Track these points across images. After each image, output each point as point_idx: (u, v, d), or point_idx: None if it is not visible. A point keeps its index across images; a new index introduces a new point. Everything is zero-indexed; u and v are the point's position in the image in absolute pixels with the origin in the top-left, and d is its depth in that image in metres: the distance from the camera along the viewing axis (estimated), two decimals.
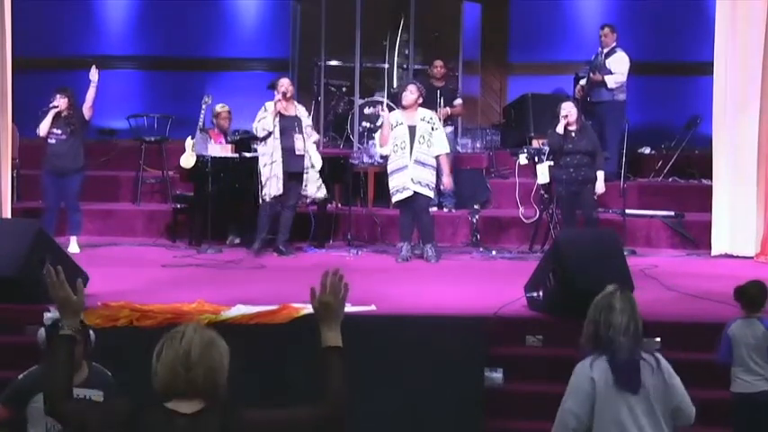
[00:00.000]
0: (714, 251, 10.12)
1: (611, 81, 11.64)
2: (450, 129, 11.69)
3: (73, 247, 9.92)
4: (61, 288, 3.28)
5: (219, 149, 10.65)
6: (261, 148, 9.92)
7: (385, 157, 9.99)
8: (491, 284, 8.43)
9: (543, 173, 10.52)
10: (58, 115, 9.98)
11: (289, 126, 9.91)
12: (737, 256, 9.93)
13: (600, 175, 9.96)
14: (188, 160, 10.57)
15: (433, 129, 9.81)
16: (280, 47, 13.73)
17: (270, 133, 9.79)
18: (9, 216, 9.90)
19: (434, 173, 9.79)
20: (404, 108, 9.92)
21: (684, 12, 13.14)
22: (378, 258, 10.08)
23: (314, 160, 10.11)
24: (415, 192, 9.67)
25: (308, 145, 10.09)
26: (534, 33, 13.62)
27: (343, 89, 13.16)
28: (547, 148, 10.87)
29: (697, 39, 12.41)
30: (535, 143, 11.74)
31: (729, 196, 10.06)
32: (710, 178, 10.40)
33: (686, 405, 4.19)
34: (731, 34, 9.98)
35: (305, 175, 10.01)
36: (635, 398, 4.10)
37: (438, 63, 11.95)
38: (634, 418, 4.10)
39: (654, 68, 13.18)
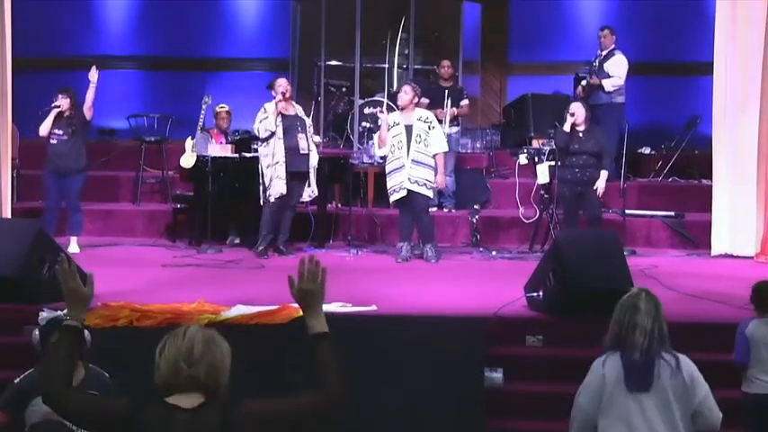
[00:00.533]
0: (714, 251, 10.12)
1: (608, 85, 11.62)
2: (456, 129, 11.70)
3: (73, 248, 9.92)
4: (72, 279, 3.29)
5: (219, 149, 10.65)
6: (263, 149, 9.90)
7: (384, 158, 9.99)
8: (491, 284, 8.43)
9: (543, 173, 10.52)
10: (59, 115, 9.98)
11: (291, 126, 9.91)
12: (737, 256, 9.94)
13: (603, 174, 9.95)
14: (188, 160, 10.58)
15: (430, 128, 9.80)
16: (280, 47, 13.73)
17: (272, 133, 9.79)
18: (9, 216, 9.90)
19: (433, 172, 9.79)
20: (401, 109, 9.93)
21: (684, 12, 13.15)
22: (378, 258, 10.08)
23: (314, 161, 10.11)
24: (413, 191, 9.66)
25: (311, 144, 10.10)
26: (534, 33, 13.63)
27: (343, 89, 13.17)
28: (547, 149, 10.89)
29: (697, 39, 12.41)
30: (535, 143, 11.75)
31: (729, 196, 10.06)
32: (710, 178, 10.40)
33: (707, 409, 4.16)
34: (731, 34, 9.98)
35: (310, 174, 10.01)
36: (648, 396, 4.13)
37: (446, 63, 11.96)
38: (645, 416, 4.12)
39: (654, 68, 13.18)
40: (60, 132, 10.00)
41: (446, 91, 11.66)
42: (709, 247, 10.21)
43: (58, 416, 4.23)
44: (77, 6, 13.86)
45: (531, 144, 11.84)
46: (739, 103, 10.00)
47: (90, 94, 9.98)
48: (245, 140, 11.14)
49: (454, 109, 11.60)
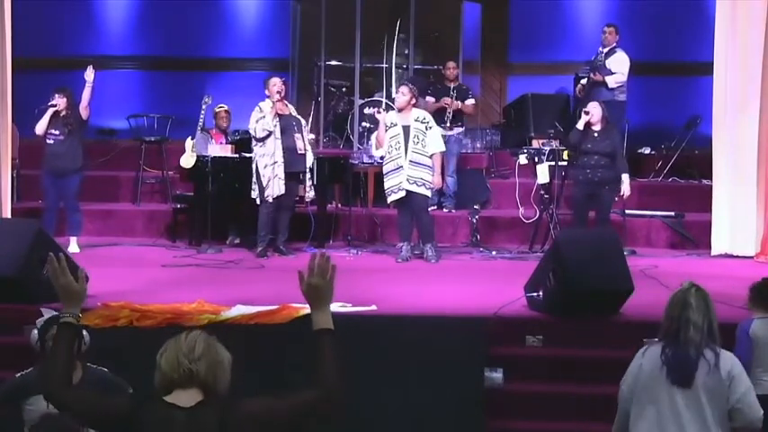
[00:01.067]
0: (714, 251, 10.12)
1: (611, 81, 11.63)
2: (460, 129, 11.70)
3: (73, 248, 9.91)
4: (62, 275, 3.29)
5: (219, 149, 10.65)
6: (259, 149, 9.88)
7: (383, 158, 9.99)
8: (491, 284, 8.43)
9: (543, 173, 10.52)
10: (56, 115, 9.97)
11: (288, 126, 9.90)
12: (737, 256, 9.94)
13: (624, 177, 9.93)
14: (188, 160, 10.58)
15: (427, 128, 9.80)
16: (280, 47, 13.73)
17: (270, 133, 9.78)
18: (9, 216, 9.90)
19: (431, 172, 9.79)
20: (398, 110, 9.93)
21: (684, 12, 13.14)
22: (378, 258, 10.08)
23: (310, 161, 10.10)
24: (410, 191, 9.67)
25: (308, 144, 10.11)
26: (534, 33, 13.62)
27: (343, 89, 13.17)
28: (547, 149, 10.88)
29: (697, 39, 12.41)
30: (535, 143, 11.74)
31: (729, 196, 10.06)
32: (710, 178, 10.40)
33: (746, 406, 4.17)
34: (731, 34, 9.98)
35: (307, 175, 10.00)
36: (682, 391, 4.18)
37: (451, 65, 11.98)
38: (674, 409, 4.17)
39: (654, 68, 13.17)
40: (57, 132, 9.99)
41: (452, 87, 11.70)
42: (709, 247, 10.21)
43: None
44: (77, 6, 13.86)
45: (531, 144, 11.83)
46: (739, 103, 10.00)
47: (86, 94, 9.96)
48: (245, 140, 11.12)
49: (458, 102, 11.61)
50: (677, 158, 12.17)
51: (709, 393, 4.17)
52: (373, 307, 7.36)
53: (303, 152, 9.95)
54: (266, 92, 9.97)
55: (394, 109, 10.38)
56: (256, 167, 9.85)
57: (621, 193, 9.95)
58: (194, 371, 3.11)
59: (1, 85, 9.88)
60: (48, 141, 10.00)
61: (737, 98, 10.01)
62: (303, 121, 10.20)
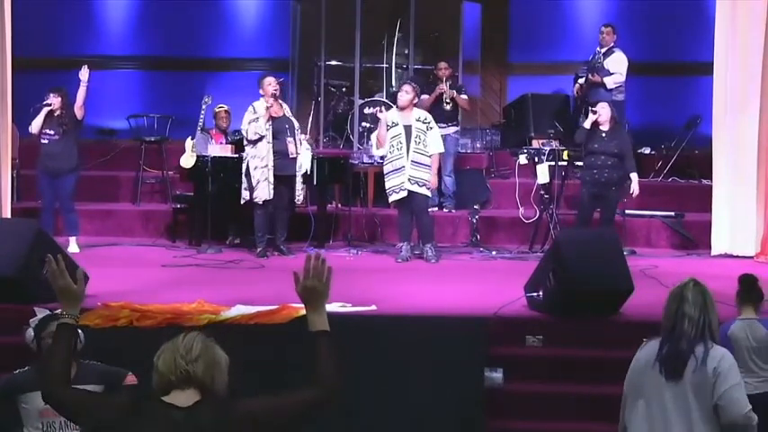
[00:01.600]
0: (714, 251, 10.13)
1: (609, 82, 11.62)
2: (454, 129, 11.70)
3: (73, 248, 9.91)
4: (61, 276, 3.30)
5: (219, 149, 10.65)
6: (251, 150, 9.84)
7: (384, 157, 9.99)
8: (491, 284, 8.43)
9: (543, 173, 10.52)
10: (50, 115, 9.98)
11: (281, 129, 9.85)
12: (737, 256, 9.94)
13: (634, 177, 9.93)
14: (188, 160, 10.57)
15: (428, 129, 9.80)
16: (280, 47, 13.73)
17: (262, 137, 9.75)
18: (9, 216, 9.90)
19: (431, 172, 9.79)
20: (400, 108, 9.92)
21: (684, 12, 13.14)
22: (378, 258, 10.08)
23: (304, 164, 10.04)
24: (411, 191, 9.67)
25: (300, 147, 10.05)
26: (534, 33, 13.62)
27: (343, 89, 13.16)
28: (547, 149, 10.88)
29: (697, 39, 12.41)
30: (535, 143, 11.74)
31: (729, 196, 10.07)
32: (710, 178, 10.40)
33: (728, 402, 4.16)
34: (731, 34, 9.98)
35: (297, 178, 9.98)
36: (670, 386, 4.21)
37: (442, 65, 11.96)
38: (661, 403, 4.22)
39: (654, 68, 13.18)
40: (52, 132, 10.01)
41: (445, 79, 11.67)
42: (709, 247, 10.21)
43: (54, 411, 4.24)
44: (77, 6, 13.86)
45: (531, 144, 11.83)
46: (739, 103, 10.01)
47: (81, 94, 9.96)
48: (253, 139, 11.13)
49: (454, 91, 11.59)
50: (677, 158, 12.16)
51: (696, 389, 4.19)
52: (373, 307, 7.36)
53: (294, 156, 9.92)
54: (260, 91, 9.93)
55: (393, 109, 10.37)
56: (247, 168, 9.83)
57: (631, 192, 9.95)
58: (191, 372, 3.10)
59: (1, 85, 9.88)
60: (42, 141, 10.01)
61: (737, 98, 10.01)
62: (296, 123, 10.15)
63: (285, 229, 10.07)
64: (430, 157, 9.77)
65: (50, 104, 9.96)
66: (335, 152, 11.91)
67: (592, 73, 11.76)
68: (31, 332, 4.94)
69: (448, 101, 11.54)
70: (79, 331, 4.80)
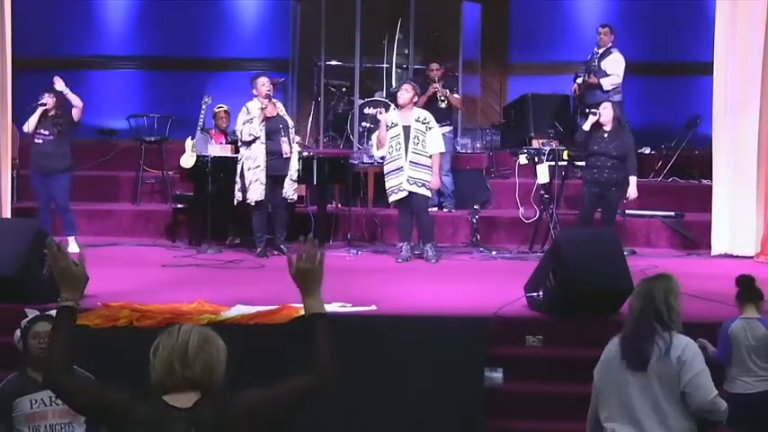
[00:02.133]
0: (714, 251, 10.12)
1: (606, 83, 11.59)
2: (448, 129, 11.69)
3: (73, 247, 9.90)
4: (63, 258, 3.29)
5: (219, 149, 10.65)
6: (245, 151, 9.83)
7: (383, 158, 9.99)
8: (491, 284, 8.43)
9: (543, 173, 10.52)
10: (45, 115, 10.00)
11: (275, 129, 9.83)
12: (737, 256, 9.94)
13: (632, 180, 9.92)
14: (188, 160, 10.57)
15: (427, 129, 9.80)
16: (280, 47, 13.73)
17: (256, 138, 9.75)
18: (9, 216, 9.90)
19: (431, 173, 9.78)
20: (400, 107, 9.92)
21: (684, 12, 13.14)
22: (378, 258, 10.09)
23: (293, 164, 10.02)
24: (411, 192, 9.67)
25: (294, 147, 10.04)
26: (534, 33, 13.62)
27: (343, 89, 13.16)
28: (547, 149, 10.88)
29: (697, 39, 12.41)
30: (535, 143, 11.74)
31: (729, 196, 10.07)
32: (710, 178, 10.40)
33: (693, 388, 4.28)
34: (731, 34, 9.98)
35: (287, 178, 9.95)
36: (635, 376, 4.35)
37: (434, 66, 11.95)
38: (627, 394, 4.36)
39: (654, 68, 13.18)
40: (46, 132, 10.03)
41: (436, 78, 11.66)
42: (709, 247, 10.21)
43: (41, 416, 4.25)
44: (77, 6, 13.85)
45: (531, 144, 11.83)
46: (739, 103, 10.00)
47: (73, 99, 9.98)
48: (247, 140, 11.13)
49: (447, 90, 11.59)
50: (677, 158, 12.16)
51: (661, 378, 4.31)
52: (373, 307, 7.36)
53: (288, 155, 9.90)
54: (254, 92, 9.91)
55: (394, 108, 10.38)
56: (241, 169, 9.83)
57: (628, 196, 9.95)
58: (188, 376, 3.08)
59: (1, 85, 9.88)
60: (36, 141, 10.04)
61: (737, 98, 10.01)
62: (290, 123, 10.14)
63: (284, 229, 10.06)
64: (429, 157, 9.76)
65: (45, 104, 9.97)
66: (335, 152, 11.91)
67: (588, 74, 11.74)
68: (18, 333, 4.94)
69: (443, 99, 11.54)
70: None
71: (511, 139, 12.82)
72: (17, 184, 11.18)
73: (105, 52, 13.82)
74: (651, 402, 4.32)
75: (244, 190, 9.80)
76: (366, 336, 6.83)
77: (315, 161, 10.44)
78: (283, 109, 10.23)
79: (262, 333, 6.83)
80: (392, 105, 11.18)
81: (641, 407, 4.32)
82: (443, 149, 10.14)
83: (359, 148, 12.18)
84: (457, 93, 11.96)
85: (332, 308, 7.01)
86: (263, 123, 9.76)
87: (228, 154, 10.57)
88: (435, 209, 11.01)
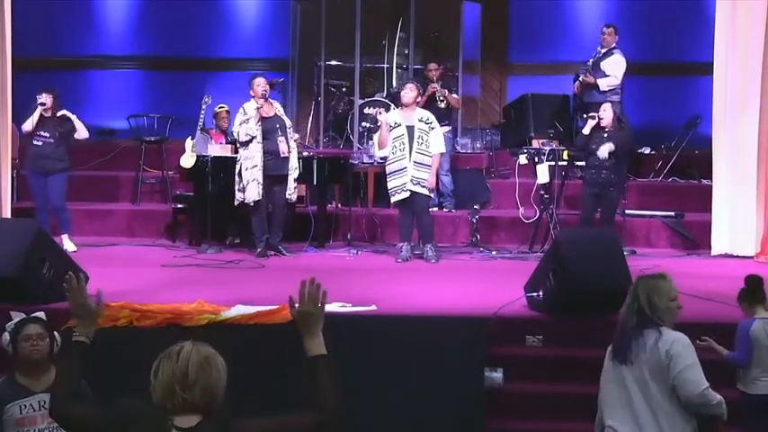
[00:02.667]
0: (714, 251, 10.12)
1: (603, 84, 11.57)
2: (447, 128, 11.69)
3: (69, 246, 9.91)
4: (80, 294, 3.31)
5: (219, 149, 10.65)
6: (243, 152, 9.84)
7: (384, 158, 9.99)
8: (491, 284, 8.43)
9: (543, 173, 10.52)
10: (45, 117, 10.03)
11: (271, 128, 9.83)
12: (737, 256, 9.94)
13: (606, 146, 9.90)
14: (188, 160, 10.58)
15: (430, 129, 9.80)
16: (280, 47, 13.73)
17: (253, 138, 9.75)
18: (9, 216, 9.91)
19: (431, 172, 9.79)
20: (403, 106, 9.92)
21: (684, 12, 13.14)
22: (378, 258, 10.09)
23: (293, 163, 10.03)
24: (414, 192, 9.68)
25: (292, 145, 10.04)
26: (534, 33, 13.62)
27: (343, 89, 13.17)
28: (547, 149, 10.89)
29: (697, 39, 12.41)
30: (535, 143, 11.74)
31: (729, 196, 10.06)
32: (710, 178, 10.40)
33: (681, 382, 4.42)
34: (731, 34, 9.98)
35: (289, 177, 9.97)
36: (627, 368, 4.53)
37: (432, 66, 11.97)
38: (624, 385, 4.53)
39: (654, 68, 13.18)
40: (47, 135, 10.08)
41: (435, 78, 11.67)
42: (709, 247, 10.21)
43: (30, 421, 4.25)
44: (77, 6, 13.86)
45: (531, 144, 11.82)
46: (739, 103, 10.00)
47: (81, 131, 10.16)
48: (245, 141, 11.12)
49: (446, 90, 11.60)
50: (677, 158, 12.16)
51: (652, 372, 4.47)
52: (373, 307, 7.36)
53: (286, 155, 9.90)
54: (251, 92, 9.92)
55: (396, 108, 10.37)
56: (239, 169, 9.83)
57: (598, 152, 9.93)
58: (189, 399, 3.05)
59: (1, 85, 9.88)
60: (35, 143, 10.08)
61: (737, 98, 10.00)
62: (288, 122, 10.12)
63: (281, 230, 10.05)
64: (431, 157, 9.77)
65: (44, 103, 10.00)
66: (335, 152, 11.91)
67: (586, 73, 11.72)
68: (7, 336, 4.92)
69: (442, 99, 11.55)
70: (55, 333, 4.83)
71: (511, 139, 12.82)
72: (17, 184, 11.18)
73: (105, 52, 13.83)
74: (645, 394, 4.47)
75: (243, 190, 9.80)
76: (366, 336, 6.83)
77: (315, 161, 10.45)
78: (281, 109, 10.22)
79: (262, 333, 6.82)
80: (393, 105, 11.21)
81: (637, 400, 4.48)
82: (444, 150, 10.15)
83: (359, 148, 12.18)
84: (456, 93, 11.97)
85: (332, 308, 7.00)
86: (260, 123, 9.77)
87: (228, 154, 10.57)
88: (435, 209, 11.01)
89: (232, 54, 13.94)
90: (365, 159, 11.55)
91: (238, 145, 9.95)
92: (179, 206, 11.11)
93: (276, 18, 13.93)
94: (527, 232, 10.67)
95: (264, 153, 9.77)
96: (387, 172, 9.88)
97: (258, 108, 9.75)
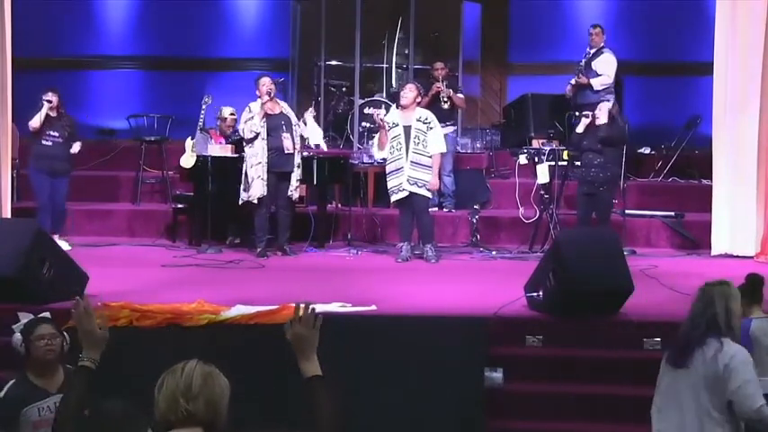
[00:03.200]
0: (714, 251, 10.12)
1: (596, 83, 11.55)
2: (452, 129, 11.71)
3: (63, 246, 9.90)
4: (88, 321, 3.32)
5: (219, 149, 10.65)
6: (248, 150, 9.86)
7: (385, 159, 9.99)
8: (491, 284, 8.43)
9: (543, 173, 10.52)
10: (51, 116, 10.05)
11: (276, 125, 9.87)
12: (737, 256, 9.93)
13: (603, 106, 10.11)
14: (188, 160, 10.58)
15: (428, 129, 9.79)
16: (280, 47, 13.73)
17: (257, 135, 9.77)
18: (9, 216, 9.91)
19: (431, 173, 9.78)
20: (403, 107, 9.92)
21: (684, 12, 13.14)
22: (378, 258, 10.08)
23: (314, 138, 10.10)
24: (412, 192, 9.67)
25: (316, 139, 10.07)
26: (534, 33, 13.62)
27: (343, 89, 13.16)
28: (547, 149, 10.89)
29: (697, 39, 12.41)
30: (535, 143, 11.74)
31: (729, 196, 10.06)
32: (710, 178, 10.40)
33: (738, 398, 4.43)
34: (731, 34, 9.97)
35: (292, 174, 9.98)
36: (683, 374, 4.55)
37: (438, 65, 11.96)
38: (677, 389, 4.57)
39: (654, 68, 13.18)
40: (56, 135, 10.13)
41: (440, 78, 11.68)
42: (709, 247, 10.20)
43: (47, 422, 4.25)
44: (77, 6, 13.86)
45: (531, 144, 11.83)
46: (739, 103, 10.00)
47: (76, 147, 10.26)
48: (250, 138, 11.11)
49: (450, 90, 11.60)
50: (677, 158, 12.17)
51: (707, 382, 4.47)
52: (373, 307, 7.36)
53: (291, 152, 9.92)
54: (257, 92, 9.96)
55: (396, 108, 10.37)
56: (245, 169, 9.85)
57: (591, 118, 9.99)
58: (192, 411, 3.06)
59: (1, 85, 9.89)
60: (44, 143, 10.10)
61: (737, 98, 10.00)
62: (294, 119, 10.12)
63: (288, 230, 10.06)
64: (430, 157, 9.76)
65: (50, 101, 10.05)
66: (335, 152, 11.91)
67: (579, 75, 11.71)
68: (18, 336, 4.91)
69: (445, 99, 11.55)
70: (65, 334, 4.82)
71: (511, 139, 12.83)
72: (17, 184, 11.19)
73: (105, 52, 13.83)
74: (695, 402, 4.50)
75: (247, 188, 9.81)
76: (366, 336, 6.83)
77: (315, 161, 10.45)
78: (287, 107, 10.24)
79: (262, 333, 6.82)
80: (393, 105, 11.20)
81: (687, 406, 4.52)
82: (444, 150, 10.14)
83: (359, 148, 12.18)
84: (461, 92, 11.96)
85: (332, 308, 7.01)
86: (264, 120, 9.79)
87: (228, 154, 10.57)
88: (435, 209, 11.00)
89: (232, 54, 13.94)
90: (365, 159, 11.55)
91: (244, 143, 9.96)
92: (179, 206, 11.11)
93: (276, 18, 13.93)
94: (527, 232, 10.67)
95: (269, 150, 9.79)
96: (386, 171, 9.89)
97: (263, 103, 9.78)
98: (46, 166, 10.13)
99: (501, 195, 11.69)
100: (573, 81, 11.90)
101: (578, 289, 7.08)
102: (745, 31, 9.93)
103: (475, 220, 10.69)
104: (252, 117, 9.79)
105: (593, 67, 11.64)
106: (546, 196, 10.49)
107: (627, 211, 10.69)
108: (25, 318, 5.03)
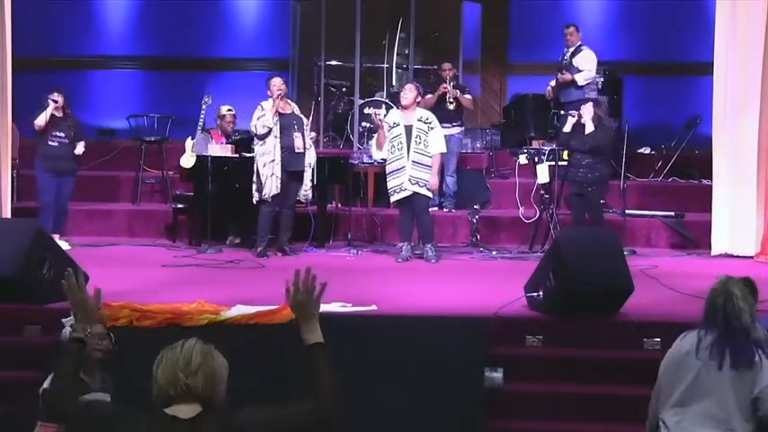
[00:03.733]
0: (714, 251, 10.12)
1: (580, 78, 11.53)
2: (459, 129, 11.71)
3: (63, 245, 9.91)
4: (79, 291, 3.32)
5: (219, 149, 10.65)
6: (260, 148, 9.90)
7: (384, 159, 9.99)
8: (491, 284, 8.43)
9: (543, 173, 10.52)
10: (55, 117, 10.06)
11: (288, 124, 9.91)
12: (737, 256, 9.93)
13: (588, 105, 10.07)
14: (188, 160, 10.58)
15: (429, 128, 9.79)
16: (280, 47, 13.74)
17: (270, 130, 9.80)
18: (9, 216, 9.91)
19: (432, 173, 9.79)
20: (403, 108, 9.93)
21: (684, 12, 13.15)
22: (378, 258, 10.08)
23: (311, 159, 10.10)
24: (413, 192, 9.68)
25: (309, 143, 10.11)
26: (534, 33, 13.63)
27: (344, 89, 13.17)
28: (547, 149, 10.89)
29: (697, 39, 12.42)
30: (535, 143, 11.75)
31: (729, 196, 10.06)
32: (710, 178, 10.40)
33: (765, 396, 4.35)
34: (731, 34, 9.97)
35: (305, 174, 10.00)
36: (709, 370, 4.41)
37: (446, 66, 11.97)
38: (702, 390, 4.43)
39: (654, 68, 13.19)
40: (62, 135, 10.19)
41: (448, 79, 11.69)
42: (709, 247, 10.20)
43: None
44: (77, 6, 13.87)
45: (531, 144, 11.84)
46: (739, 104, 10.00)
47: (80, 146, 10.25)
48: (246, 140, 11.12)
49: (457, 91, 11.62)
50: (677, 158, 12.17)
51: (734, 378, 4.39)
52: (373, 307, 7.36)
53: (302, 151, 9.95)
54: (268, 92, 10.00)
55: (395, 109, 10.38)
56: (257, 166, 9.87)
57: (577, 117, 9.99)
58: (191, 385, 3.09)
59: (1, 85, 9.89)
60: (50, 143, 10.16)
61: (737, 98, 10.00)
62: (305, 120, 10.17)
63: (289, 230, 10.07)
64: (431, 157, 9.76)
65: (56, 101, 10.11)
66: (335, 152, 11.91)
67: (561, 71, 11.70)
68: (68, 330, 4.93)
69: (451, 100, 11.56)
70: (111, 335, 4.87)
71: (511, 139, 12.83)
72: (17, 184, 11.19)
73: (105, 52, 13.83)
74: (722, 400, 4.41)
75: (260, 187, 9.82)
76: (366, 336, 6.83)
77: (315, 161, 10.44)
78: (297, 108, 10.27)
79: (262, 333, 6.82)
80: (393, 106, 11.21)
81: (711, 400, 4.41)
82: (444, 150, 10.13)
83: (359, 148, 12.18)
84: (468, 93, 11.96)
85: (332, 308, 7.01)
86: (277, 118, 9.82)
87: (228, 154, 10.58)
88: (435, 209, 11.01)
89: (232, 54, 13.95)
90: (365, 159, 11.55)
91: (254, 142, 9.98)
92: (179, 206, 11.10)
93: (276, 18, 13.94)
94: (527, 232, 10.67)
95: (281, 148, 9.81)
96: (386, 171, 9.89)
97: (274, 101, 9.81)
98: (52, 166, 10.18)
99: (501, 195, 11.69)
100: (552, 83, 11.85)
101: (578, 289, 7.08)
102: (745, 32, 9.93)
103: (475, 220, 10.70)
104: (264, 114, 9.82)
105: (575, 64, 11.63)
106: (546, 196, 10.49)
107: (627, 211, 10.68)
108: (69, 322, 5.05)
